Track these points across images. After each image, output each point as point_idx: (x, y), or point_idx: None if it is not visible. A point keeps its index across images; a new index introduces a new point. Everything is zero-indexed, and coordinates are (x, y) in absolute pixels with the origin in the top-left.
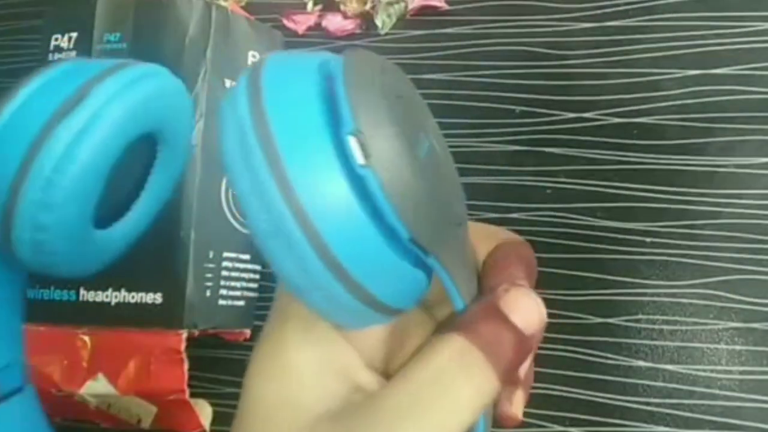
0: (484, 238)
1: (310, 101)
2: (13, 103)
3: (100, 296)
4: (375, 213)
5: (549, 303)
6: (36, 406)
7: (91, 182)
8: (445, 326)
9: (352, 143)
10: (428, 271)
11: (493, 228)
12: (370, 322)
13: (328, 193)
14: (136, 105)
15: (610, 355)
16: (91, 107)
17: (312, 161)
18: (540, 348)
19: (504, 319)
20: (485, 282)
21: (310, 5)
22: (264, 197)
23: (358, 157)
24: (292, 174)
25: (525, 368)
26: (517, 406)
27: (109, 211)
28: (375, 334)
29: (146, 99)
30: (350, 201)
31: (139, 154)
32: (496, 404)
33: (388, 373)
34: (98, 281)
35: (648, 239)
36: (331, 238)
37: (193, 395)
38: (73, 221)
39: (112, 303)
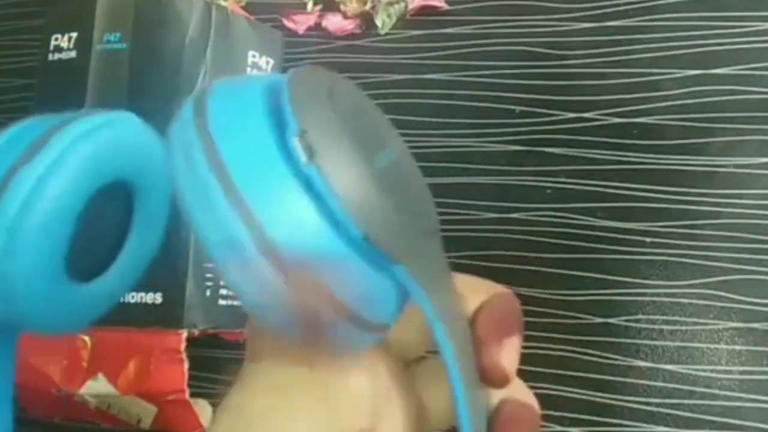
0: (471, 291)
1: (255, 113)
2: None
3: None
4: (328, 215)
5: (549, 303)
6: None
7: (56, 228)
8: None
9: (296, 143)
10: (400, 286)
11: (478, 280)
12: (347, 340)
13: (279, 199)
14: (101, 150)
15: (610, 355)
16: (53, 152)
17: (259, 170)
18: (540, 348)
19: None
20: (476, 332)
21: (310, 5)
22: (213, 211)
23: (303, 157)
24: (241, 185)
25: None
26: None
27: (90, 266)
28: (360, 400)
29: (111, 144)
30: (301, 203)
31: (118, 208)
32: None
33: None
34: None
35: (648, 239)
36: (285, 246)
37: (193, 395)
38: (41, 270)
39: None
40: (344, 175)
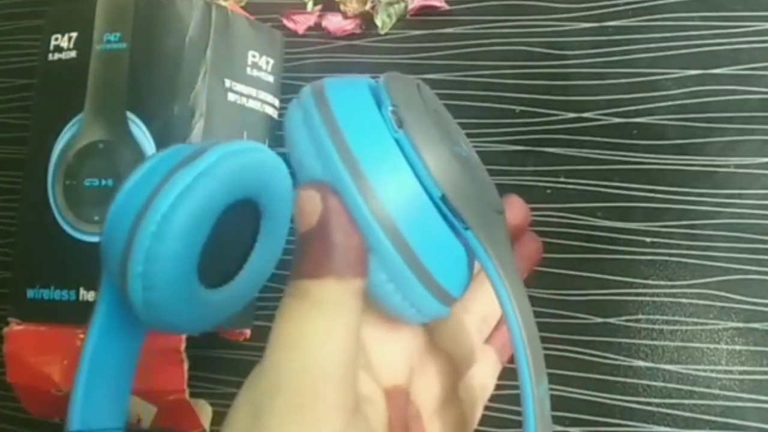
0: None
1: (364, 94)
2: (142, 166)
3: None
4: (415, 174)
5: (549, 303)
6: None
7: (193, 234)
8: None
9: (389, 115)
10: (470, 256)
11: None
12: (423, 307)
13: (379, 157)
14: (240, 168)
15: (610, 355)
16: (204, 163)
17: (366, 134)
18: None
19: None
20: None
21: (310, 5)
22: (327, 165)
23: (394, 125)
24: (352, 145)
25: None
26: None
27: (218, 275)
28: (397, 362)
29: (250, 165)
30: (396, 162)
31: (246, 224)
32: None
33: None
34: (98, 281)
35: (648, 239)
36: (384, 196)
37: (193, 395)
38: (177, 272)
39: None
40: (428, 144)
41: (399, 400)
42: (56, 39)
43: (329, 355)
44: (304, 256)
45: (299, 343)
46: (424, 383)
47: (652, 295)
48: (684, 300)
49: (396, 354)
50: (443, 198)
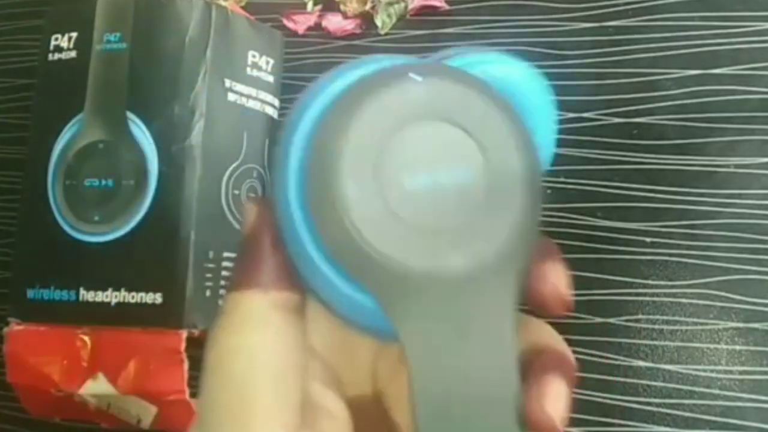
0: (529, 330)
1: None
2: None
3: (100, 296)
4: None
5: None
6: None
7: None
8: None
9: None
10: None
11: (544, 326)
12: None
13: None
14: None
15: (610, 355)
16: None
17: (282, 170)
18: None
19: None
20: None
21: (310, 5)
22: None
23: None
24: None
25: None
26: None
27: None
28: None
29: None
30: (298, 219)
31: None
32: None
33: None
34: (98, 281)
35: (648, 239)
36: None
37: (193, 395)
38: None
39: (112, 303)
40: (320, 196)
41: (368, 410)
42: (56, 39)
43: (259, 371)
44: (234, 269)
45: (228, 359)
46: (401, 390)
47: (652, 295)
48: (684, 300)
49: (358, 362)
50: (327, 254)
